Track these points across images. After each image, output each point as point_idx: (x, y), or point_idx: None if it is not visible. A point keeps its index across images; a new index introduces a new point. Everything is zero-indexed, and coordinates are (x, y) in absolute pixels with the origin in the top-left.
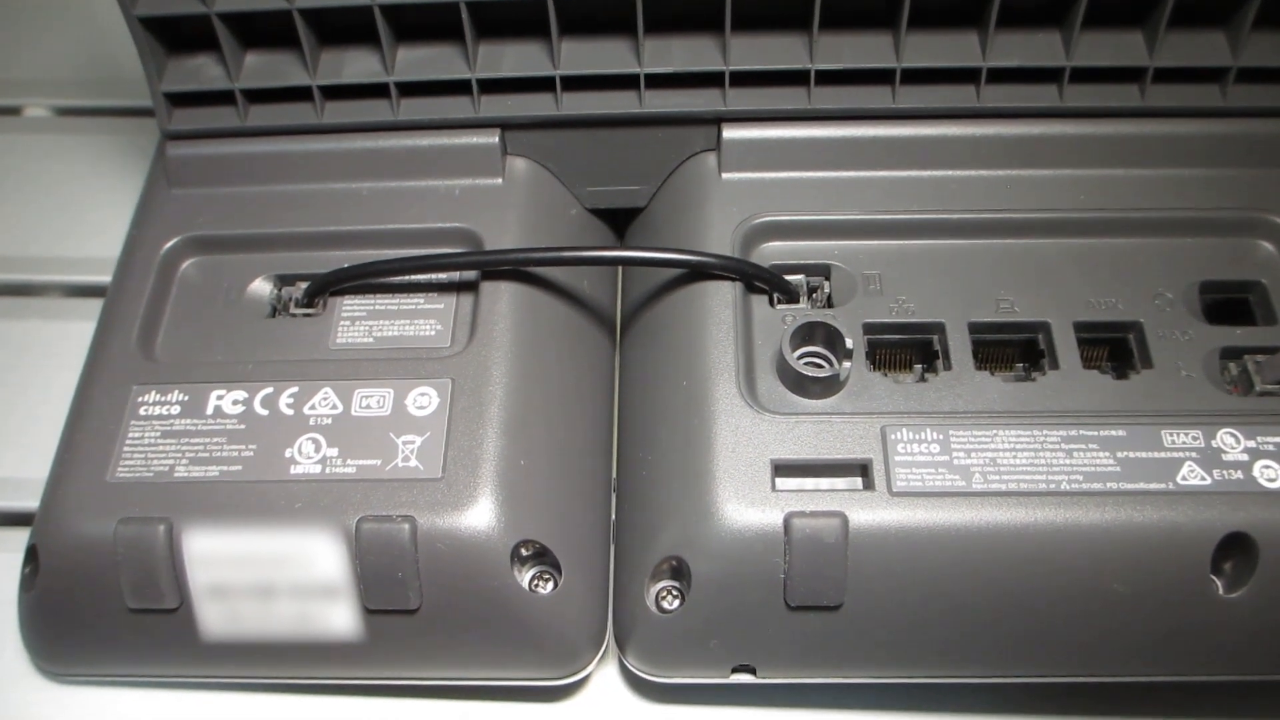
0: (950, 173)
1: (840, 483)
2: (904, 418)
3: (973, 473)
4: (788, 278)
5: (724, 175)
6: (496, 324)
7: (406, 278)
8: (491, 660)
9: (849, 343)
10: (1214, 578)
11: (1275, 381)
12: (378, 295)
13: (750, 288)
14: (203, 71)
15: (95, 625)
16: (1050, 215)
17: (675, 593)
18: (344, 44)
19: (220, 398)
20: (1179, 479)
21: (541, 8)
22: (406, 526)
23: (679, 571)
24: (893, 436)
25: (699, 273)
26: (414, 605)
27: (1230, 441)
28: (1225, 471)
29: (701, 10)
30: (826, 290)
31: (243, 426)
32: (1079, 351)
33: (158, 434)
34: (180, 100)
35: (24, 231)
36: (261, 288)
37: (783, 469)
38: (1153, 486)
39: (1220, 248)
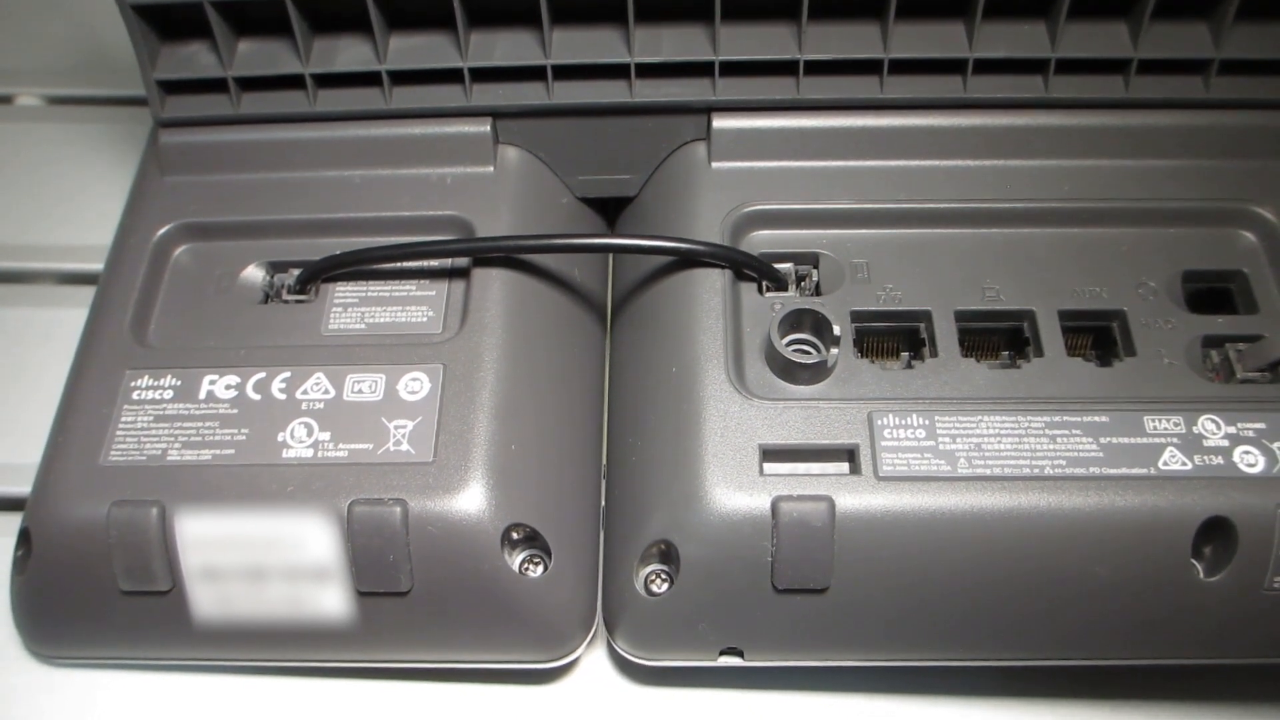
0: (937, 162)
1: (827, 467)
2: (891, 404)
3: (958, 458)
4: (776, 266)
5: (714, 164)
6: (488, 310)
7: (398, 264)
8: (481, 643)
9: (837, 330)
10: (1194, 562)
11: (1256, 369)
12: (370, 282)
13: (739, 275)
14: (195, 59)
15: (87, 608)
16: (1036, 205)
17: (664, 576)
18: (336, 32)
19: (213, 382)
20: (1161, 464)
21: None
22: (398, 510)
23: (668, 555)
24: (879, 422)
25: (689, 260)
26: (405, 588)
27: (1211, 428)
28: (1206, 457)
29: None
30: (815, 278)
31: (235, 411)
32: (1063, 339)
33: (150, 418)
34: (173, 88)
35: (16, 220)
36: (254, 274)
37: (770, 454)
38: (1135, 471)
39: (1203, 238)
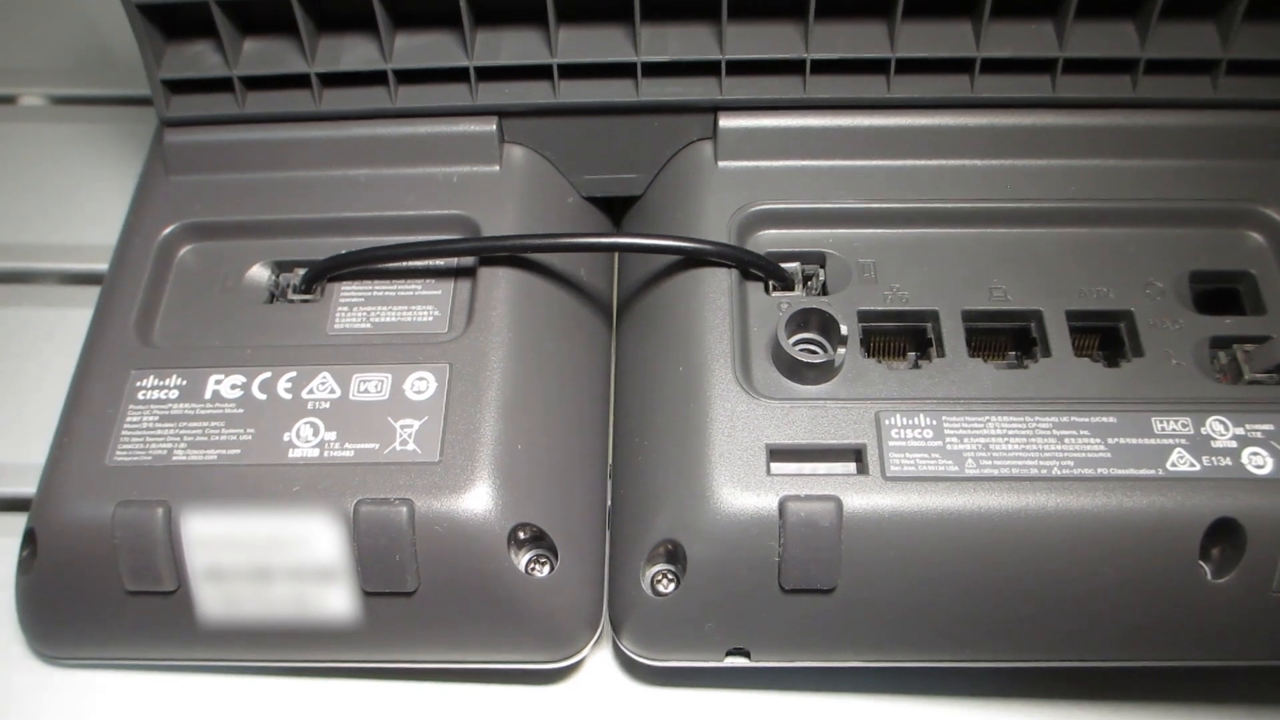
0: (944, 162)
1: (835, 467)
2: (898, 404)
3: (965, 458)
4: (783, 265)
5: (720, 163)
6: (494, 309)
7: (404, 264)
8: (487, 643)
9: (844, 329)
10: (1202, 563)
11: (1264, 370)
12: (375, 281)
13: (746, 275)
14: (201, 59)
15: (93, 608)
16: (1043, 205)
17: (670, 576)
18: (342, 31)
19: (218, 382)
20: (1169, 465)
21: None
22: (404, 509)
23: (674, 555)
24: (887, 422)
25: (695, 260)
26: (411, 588)
27: (1219, 429)
28: (1214, 458)
29: None
30: (821, 278)
31: (241, 411)
32: (1071, 340)
33: (156, 418)
34: (178, 87)
35: (21, 219)
36: (259, 273)
37: (778, 454)
38: (1143, 472)
39: (1210, 238)
